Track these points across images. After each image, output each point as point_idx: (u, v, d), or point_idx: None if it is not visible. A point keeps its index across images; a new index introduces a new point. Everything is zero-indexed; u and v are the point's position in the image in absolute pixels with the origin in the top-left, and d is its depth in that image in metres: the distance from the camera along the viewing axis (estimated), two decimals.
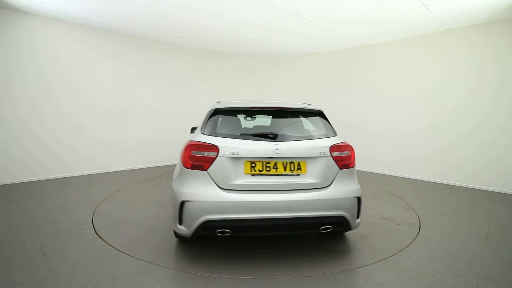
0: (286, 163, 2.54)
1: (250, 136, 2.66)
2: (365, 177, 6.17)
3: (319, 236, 3.18)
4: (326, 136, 2.78)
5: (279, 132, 2.73)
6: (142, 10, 4.84)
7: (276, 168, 2.53)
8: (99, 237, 3.08)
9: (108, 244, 2.92)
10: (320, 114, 2.97)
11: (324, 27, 5.52)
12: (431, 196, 4.85)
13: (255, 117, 2.97)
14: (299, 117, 2.93)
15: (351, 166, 2.70)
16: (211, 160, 2.47)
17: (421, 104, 5.98)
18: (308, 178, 2.55)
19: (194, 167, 2.49)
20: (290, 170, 2.54)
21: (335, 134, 2.84)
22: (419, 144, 6.02)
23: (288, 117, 2.90)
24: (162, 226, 3.36)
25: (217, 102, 3.06)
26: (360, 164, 6.85)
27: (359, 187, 2.72)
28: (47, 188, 4.94)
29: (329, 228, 2.57)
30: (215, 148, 2.48)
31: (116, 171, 6.34)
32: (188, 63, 7.53)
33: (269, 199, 2.44)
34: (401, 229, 3.39)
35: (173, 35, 6.37)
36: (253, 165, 2.50)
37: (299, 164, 2.56)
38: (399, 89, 6.30)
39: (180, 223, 2.47)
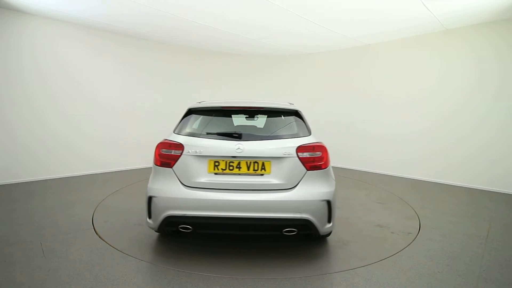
0: (250, 162, 2.53)
1: (216, 135, 2.68)
2: (366, 178, 6.18)
3: (301, 239, 3.07)
4: (297, 136, 2.68)
5: (244, 132, 2.72)
6: (142, 10, 4.84)
7: (240, 168, 2.53)
8: (99, 237, 3.08)
9: (108, 244, 2.92)
10: (296, 113, 2.88)
11: (324, 27, 5.52)
12: (432, 196, 4.85)
13: (227, 117, 2.93)
14: (272, 117, 2.89)
15: (322, 167, 2.57)
16: (176, 158, 2.56)
17: (421, 104, 5.98)
18: (272, 178, 2.51)
19: (162, 164, 2.61)
20: (254, 170, 2.53)
21: (308, 134, 2.73)
22: (420, 144, 6.02)
23: (260, 117, 2.89)
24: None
25: (198, 102, 3.08)
26: (361, 164, 6.90)
27: (331, 189, 2.58)
28: (48, 188, 4.95)
29: (293, 231, 2.48)
30: (180, 147, 2.58)
31: (117, 171, 6.35)
32: (188, 63, 7.53)
33: (231, 198, 2.44)
34: (392, 238, 3.16)
35: (173, 35, 6.37)
36: (216, 164, 2.54)
37: (263, 164, 2.52)
38: (399, 89, 6.30)
39: (149, 217, 2.59)
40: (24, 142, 5.29)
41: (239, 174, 2.53)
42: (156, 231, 2.68)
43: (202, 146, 2.56)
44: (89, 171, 6.05)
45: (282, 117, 2.89)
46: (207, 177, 2.53)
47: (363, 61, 6.85)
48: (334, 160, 7.21)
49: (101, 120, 6.21)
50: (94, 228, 3.30)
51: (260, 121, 2.89)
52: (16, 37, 5.14)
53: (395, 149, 6.37)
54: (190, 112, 2.92)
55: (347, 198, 4.67)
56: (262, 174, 2.52)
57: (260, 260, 2.65)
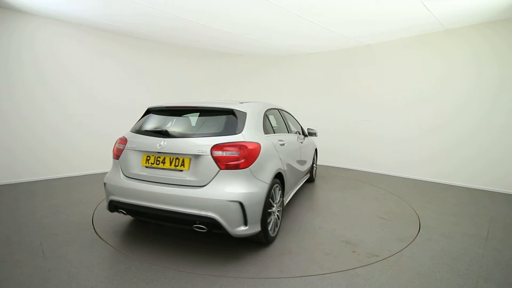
0: (173, 158, 2.69)
1: (151, 132, 2.95)
2: (367, 178, 6.18)
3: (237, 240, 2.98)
4: (222, 134, 2.67)
5: (171, 129, 2.94)
6: (142, 10, 4.84)
7: (164, 163, 2.72)
8: (99, 237, 3.08)
9: (108, 244, 2.92)
10: (231, 112, 2.87)
11: (324, 27, 5.52)
12: (432, 196, 4.85)
13: (170, 116, 3.15)
14: (207, 116, 2.98)
15: (241, 167, 2.53)
16: (121, 151, 2.95)
17: (421, 105, 5.97)
18: (188, 175, 2.60)
19: (116, 156, 3.01)
20: (175, 166, 2.68)
21: (237, 133, 2.68)
22: (421, 145, 6.01)
23: (198, 116, 3.00)
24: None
25: (165, 103, 3.29)
26: (363, 164, 6.90)
27: (248, 191, 2.51)
28: (49, 187, 4.95)
29: (202, 228, 2.52)
30: (124, 141, 2.97)
31: None
32: (188, 63, 7.54)
33: (153, 190, 2.64)
34: (346, 258, 2.71)
35: (173, 35, 6.37)
36: (148, 158, 2.80)
37: (183, 161, 2.64)
38: (399, 90, 6.29)
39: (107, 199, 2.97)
40: (25, 142, 5.30)
41: (163, 169, 2.71)
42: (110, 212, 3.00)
43: (137, 141, 2.88)
44: (91, 171, 6.05)
45: (216, 116, 2.94)
46: (139, 170, 2.81)
47: (363, 62, 6.85)
48: (335, 160, 7.30)
49: (102, 119, 6.21)
50: (94, 228, 3.30)
51: (194, 119, 3.02)
52: (16, 37, 5.14)
53: (397, 149, 6.37)
54: (148, 111, 3.24)
55: (345, 207, 4.30)
56: (181, 170, 2.64)
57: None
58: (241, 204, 2.45)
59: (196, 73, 7.70)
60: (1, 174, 5.10)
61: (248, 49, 7.46)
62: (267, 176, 2.74)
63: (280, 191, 3.13)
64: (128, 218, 3.62)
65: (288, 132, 4.08)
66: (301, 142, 4.45)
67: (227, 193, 2.46)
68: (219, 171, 2.52)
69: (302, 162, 4.42)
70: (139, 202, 2.67)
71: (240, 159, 2.54)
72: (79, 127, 5.92)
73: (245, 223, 2.50)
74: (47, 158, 5.56)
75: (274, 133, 3.39)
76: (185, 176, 2.60)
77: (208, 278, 2.35)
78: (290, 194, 3.85)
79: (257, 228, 2.60)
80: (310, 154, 5.10)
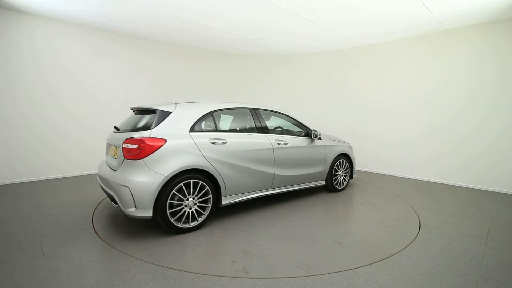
0: (115, 148, 3.32)
1: (115, 128, 3.68)
2: (368, 178, 6.17)
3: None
4: (138, 130, 3.22)
5: (119, 126, 3.65)
6: (142, 10, 4.84)
7: (113, 152, 3.38)
8: (99, 237, 3.08)
9: (108, 244, 2.92)
10: (153, 112, 3.37)
11: (324, 27, 5.52)
12: (432, 196, 4.85)
13: (133, 115, 3.77)
14: (144, 115, 3.52)
15: (137, 158, 2.96)
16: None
17: (422, 105, 5.96)
18: (116, 162, 3.22)
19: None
20: (114, 154, 3.32)
21: (148, 129, 3.14)
22: (422, 146, 6.01)
23: (141, 115, 3.58)
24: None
25: None
26: (363, 165, 6.89)
27: (137, 179, 2.91)
28: (52, 187, 4.95)
29: (115, 203, 3.07)
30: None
31: None
32: (188, 63, 7.54)
33: (103, 172, 3.38)
34: (219, 264, 2.56)
35: (173, 35, 6.37)
36: (112, 148, 3.47)
37: (117, 151, 3.23)
38: (399, 90, 6.29)
39: None
40: (27, 141, 5.32)
41: (112, 156, 3.38)
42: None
43: (110, 135, 3.67)
44: (92, 170, 6.04)
45: (146, 115, 3.47)
46: (107, 156, 3.60)
47: (363, 62, 6.85)
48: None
49: (103, 118, 6.20)
50: (94, 228, 3.30)
51: (137, 117, 3.59)
52: (16, 37, 5.14)
53: (398, 150, 6.36)
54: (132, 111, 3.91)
55: (314, 224, 3.64)
56: (115, 158, 3.25)
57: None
58: (129, 188, 2.89)
59: (196, 73, 7.69)
60: (3, 174, 5.11)
61: (249, 49, 7.46)
62: (166, 170, 2.99)
63: (206, 188, 3.28)
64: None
65: (258, 133, 3.91)
66: (285, 144, 4.08)
67: (121, 178, 2.99)
68: (123, 160, 3.05)
69: (283, 166, 4.06)
70: (100, 182, 3.50)
71: (136, 152, 2.98)
72: (80, 127, 5.93)
73: (135, 206, 2.90)
74: (49, 158, 5.58)
75: (216, 131, 3.54)
76: (114, 163, 3.24)
77: (210, 278, 2.34)
78: (244, 196, 3.68)
79: (148, 213, 2.94)
80: (316, 159, 4.58)
